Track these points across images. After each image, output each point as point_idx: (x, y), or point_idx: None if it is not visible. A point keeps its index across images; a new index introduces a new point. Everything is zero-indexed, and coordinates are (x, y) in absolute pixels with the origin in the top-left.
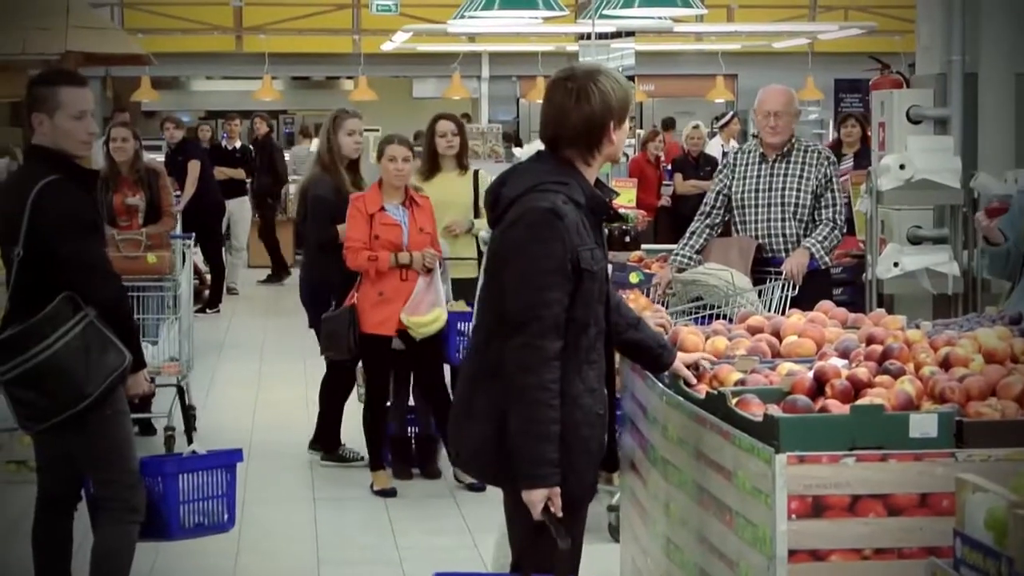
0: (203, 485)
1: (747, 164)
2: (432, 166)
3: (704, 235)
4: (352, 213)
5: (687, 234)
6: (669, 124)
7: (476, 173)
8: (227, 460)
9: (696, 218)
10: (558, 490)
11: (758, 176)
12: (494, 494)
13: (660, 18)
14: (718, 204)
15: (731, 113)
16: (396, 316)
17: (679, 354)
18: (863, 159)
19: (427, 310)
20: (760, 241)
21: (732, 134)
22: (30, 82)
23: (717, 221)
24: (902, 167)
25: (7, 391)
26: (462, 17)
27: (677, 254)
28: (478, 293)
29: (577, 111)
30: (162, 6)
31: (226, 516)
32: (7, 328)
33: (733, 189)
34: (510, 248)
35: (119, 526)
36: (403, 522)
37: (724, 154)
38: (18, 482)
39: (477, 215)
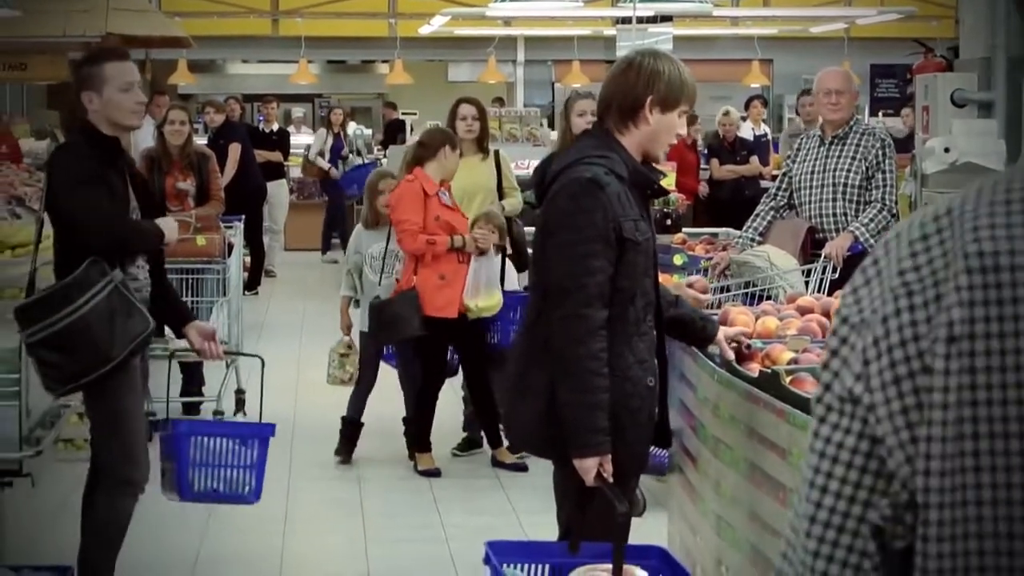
0: (223, 452)
1: (808, 148)
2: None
3: (768, 217)
4: (408, 195)
5: (752, 216)
6: (691, 120)
7: (496, 153)
8: (255, 432)
9: (762, 200)
10: (609, 456)
11: (815, 158)
12: (536, 475)
13: (701, 2)
14: (783, 186)
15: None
16: (456, 298)
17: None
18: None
19: (486, 292)
20: (813, 222)
21: (758, 117)
22: (76, 64)
23: (781, 204)
24: (947, 150)
25: (33, 353)
26: (502, 0)
27: (741, 235)
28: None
29: (621, 77)
30: None
31: (248, 488)
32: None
33: (793, 172)
34: (553, 219)
35: (110, 497)
36: (448, 502)
37: (756, 137)
38: (68, 460)
39: (501, 196)
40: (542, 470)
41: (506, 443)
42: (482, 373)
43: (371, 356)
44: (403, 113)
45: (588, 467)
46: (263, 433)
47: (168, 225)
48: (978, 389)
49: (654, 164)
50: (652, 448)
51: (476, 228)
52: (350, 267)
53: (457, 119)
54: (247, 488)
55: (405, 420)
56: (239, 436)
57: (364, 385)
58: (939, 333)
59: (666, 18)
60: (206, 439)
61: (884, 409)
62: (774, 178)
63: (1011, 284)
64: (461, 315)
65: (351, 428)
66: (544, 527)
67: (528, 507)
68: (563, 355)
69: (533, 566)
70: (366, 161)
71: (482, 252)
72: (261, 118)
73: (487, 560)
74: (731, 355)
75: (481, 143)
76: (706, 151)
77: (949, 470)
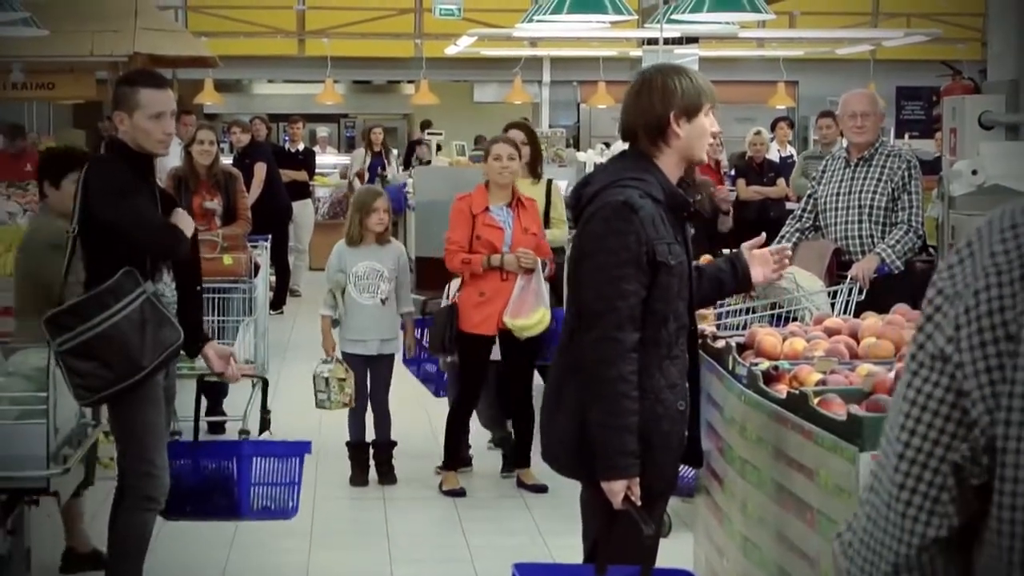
0: (274, 471)
1: (834, 169)
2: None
3: (794, 239)
4: (455, 214)
5: (777, 237)
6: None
7: (549, 183)
8: (297, 450)
9: (787, 222)
10: (637, 480)
11: (840, 180)
12: (561, 496)
13: (727, 23)
14: (808, 208)
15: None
16: (496, 316)
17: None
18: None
19: (530, 311)
20: (839, 244)
21: (784, 138)
22: (116, 82)
23: (807, 225)
24: (974, 172)
25: (63, 361)
26: (530, 21)
27: None
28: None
29: (638, 101)
30: (225, 9)
31: (291, 504)
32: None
33: (819, 193)
34: (587, 242)
35: (131, 512)
36: (472, 522)
37: (782, 159)
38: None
39: (548, 225)
40: (567, 491)
41: (533, 463)
42: (524, 392)
43: (360, 377)
44: (428, 133)
45: (616, 490)
46: (301, 450)
47: (182, 221)
48: None
49: (698, 166)
50: (681, 468)
51: (518, 250)
52: (332, 286)
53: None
54: (291, 504)
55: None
56: (288, 454)
57: (360, 407)
58: (1021, 307)
59: (692, 39)
60: (263, 459)
61: (971, 368)
62: (799, 199)
63: None
64: (507, 332)
65: (359, 451)
66: (569, 549)
67: (553, 528)
68: (594, 377)
69: None
70: (398, 181)
71: (527, 271)
72: (287, 138)
73: None
74: (769, 264)
75: (533, 168)
76: (732, 171)
77: None
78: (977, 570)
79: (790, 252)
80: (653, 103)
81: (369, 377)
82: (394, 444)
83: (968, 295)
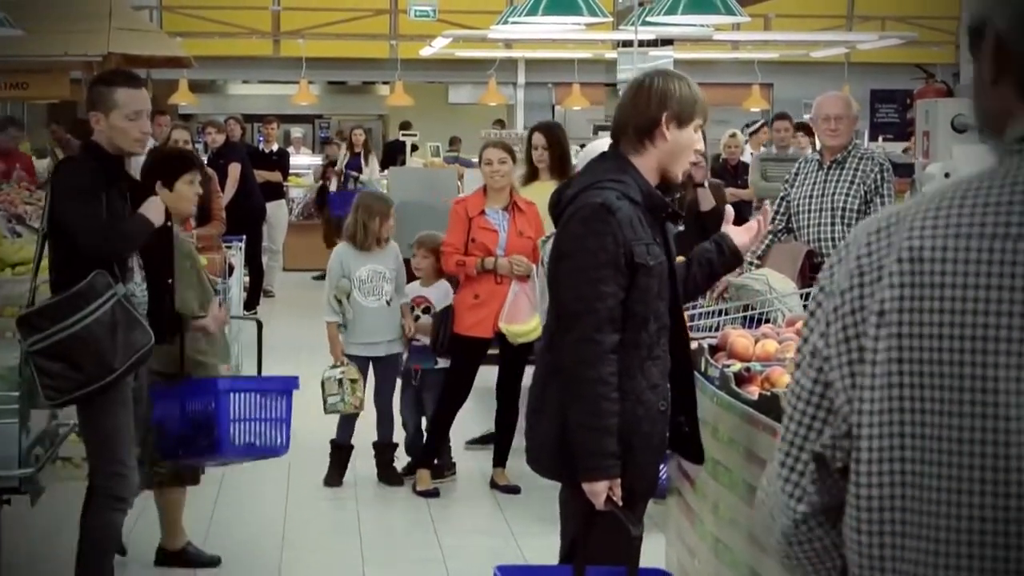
0: (257, 407)
1: (807, 172)
2: (531, 173)
3: (767, 241)
4: (452, 217)
5: None
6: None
7: None
8: (282, 385)
9: None
10: (619, 480)
11: (813, 183)
12: (535, 497)
13: (702, 25)
14: (781, 210)
15: (761, 121)
16: (491, 319)
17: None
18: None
19: (525, 318)
20: (812, 246)
21: (762, 142)
22: (91, 81)
23: (780, 227)
24: (947, 175)
25: (34, 361)
26: (505, 22)
27: None
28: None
29: (634, 99)
30: (200, 9)
31: (280, 440)
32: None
33: (792, 196)
34: (565, 244)
35: (101, 512)
36: (446, 522)
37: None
38: (64, 479)
39: None
40: (540, 492)
41: (508, 464)
42: (514, 395)
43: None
44: (403, 134)
45: (598, 491)
46: (289, 386)
47: (151, 209)
48: (902, 351)
49: (672, 184)
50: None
51: (512, 256)
52: (336, 292)
53: (532, 147)
54: (280, 440)
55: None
56: (271, 390)
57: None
58: (874, 307)
59: (667, 42)
60: (241, 395)
61: (836, 360)
62: (761, 201)
63: (930, 272)
64: (501, 338)
65: (342, 453)
66: (542, 549)
67: (526, 529)
68: (574, 378)
69: None
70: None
71: (521, 277)
72: (261, 138)
73: None
74: (753, 229)
75: (563, 168)
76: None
77: (878, 410)
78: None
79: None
80: (649, 102)
81: (374, 378)
82: (396, 446)
83: (837, 294)
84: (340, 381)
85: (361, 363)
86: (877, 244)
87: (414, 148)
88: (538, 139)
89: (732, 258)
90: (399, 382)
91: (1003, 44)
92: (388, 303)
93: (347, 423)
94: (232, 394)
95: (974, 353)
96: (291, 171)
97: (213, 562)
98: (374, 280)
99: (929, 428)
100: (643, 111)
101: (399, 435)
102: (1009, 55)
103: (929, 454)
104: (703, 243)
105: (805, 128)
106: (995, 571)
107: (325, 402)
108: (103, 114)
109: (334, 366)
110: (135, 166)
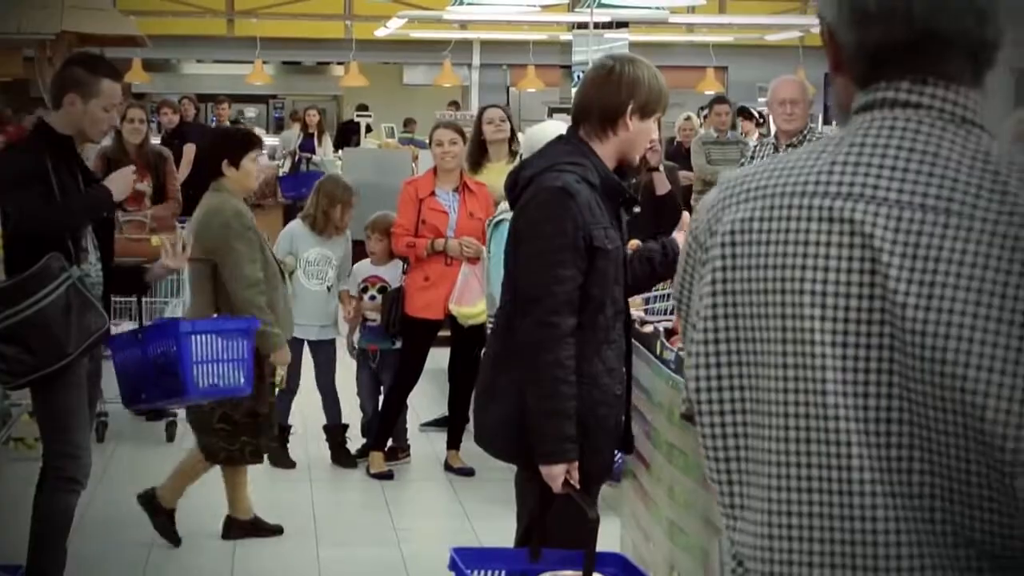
0: (218, 348)
1: (762, 156)
2: (479, 157)
3: None
4: (403, 198)
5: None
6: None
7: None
8: (240, 326)
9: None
10: (576, 464)
11: None
12: (488, 479)
13: (657, 8)
14: None
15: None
16: (441, 301)
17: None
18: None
19: (474, 299)
20: None
21: (716, 124)
22: (69, 61)
23: None
24: None
25: None
26: (460, 3)
27: None
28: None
29: (601, 84)
30: None
31: (241, 379)
32: None
33: None
34: (524, 227)
35: (54, 494)
36: (400, 504)
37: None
38: (18, 459)
39: None
40: (494, 474)
41: (462, 447)
42: (467, 377)
43: (296, 362)
44: (357, 115)
45: (555, 474)
46: (252, 326)
47: (118, 182)
48: (717, 317)
49: (629, 168)
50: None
51: (462, 238)
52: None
53: (484, 123)
54: (241, 379)
55: (325, 427)
56: (232, 331)
57: (289, 389)
58: (704, 275)
59: (622, 24)
60: (203, 336)
61: (683, 322)
62: (706, 184)
63: (740, 246)
64: (452, 319)
65: (282, 433)
66: (497, 532)
67: (480, 511)
68: (531, 362)
69: (498, 573)
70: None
71: (470, 259)
72: (213, 119)
73: (453, 566)
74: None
75: (511, 144)
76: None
77: (704, 364)
78: None
79: None
80: (619, 90)
81: (312, 361)
82: (346, 427)
83: (682, 261)
84: None
85: (293, 344)
86: (707, 216)
87: (368, 129)
88: (494, 113)
89: (675, 263)
90: (353, 365)
91: (834, 36)
92: (328, 289)
93: (284, 404)
94: (193, 336)
95: (782, 292)
96: None
97: (277, 531)
98: (321, 264)
99: (747, 380)
100: (611, 99)
101: (353, 416)
102: (839, 47)
103: (751, 404)
104: (649, 241)
105: (746, 113)
106: (800, 481)
107: None
108: (81, 98)
109: None
110: (90, 148)
